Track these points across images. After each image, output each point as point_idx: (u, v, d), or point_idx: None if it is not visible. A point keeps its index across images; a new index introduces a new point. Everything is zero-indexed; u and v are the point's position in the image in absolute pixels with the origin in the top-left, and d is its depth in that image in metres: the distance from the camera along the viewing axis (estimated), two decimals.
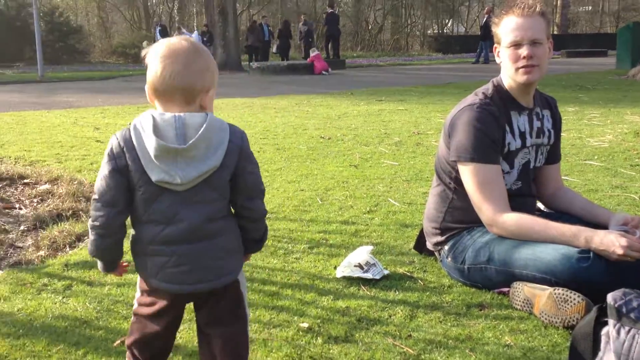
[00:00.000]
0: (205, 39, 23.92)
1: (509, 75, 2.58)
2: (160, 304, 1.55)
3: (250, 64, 21.27)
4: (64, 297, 2.44)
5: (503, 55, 2.58)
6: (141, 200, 1.50)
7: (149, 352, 1.60)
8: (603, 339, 1.80)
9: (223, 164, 1.49)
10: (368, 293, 2.48)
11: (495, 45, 2.63)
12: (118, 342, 2.07)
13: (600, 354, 1.80)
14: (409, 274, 2.69)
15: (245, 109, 9.27)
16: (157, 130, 1.46)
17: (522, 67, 2.51)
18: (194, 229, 1.49)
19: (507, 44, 2.53)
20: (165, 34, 23.66)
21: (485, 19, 24.56)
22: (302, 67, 18.96)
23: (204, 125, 1.47)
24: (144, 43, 22.74)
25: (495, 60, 2.65)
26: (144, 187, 1.48)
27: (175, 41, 1.54)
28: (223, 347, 1.56)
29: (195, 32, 25.22)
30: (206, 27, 25.44)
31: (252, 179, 1.56)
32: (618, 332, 1.76)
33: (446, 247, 2.68)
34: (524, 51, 2.50)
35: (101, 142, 6.21)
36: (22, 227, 3.38)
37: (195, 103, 1.52)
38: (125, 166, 1.48)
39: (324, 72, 18.76)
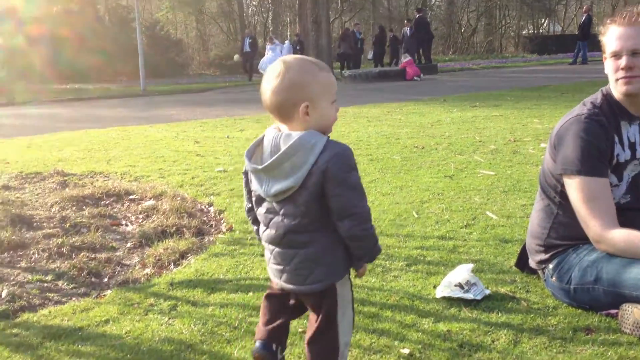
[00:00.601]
0: (298, 47, 24.25)
1: (611, 84, 2.51)
2: (273, 289, 1.87)
3: (342, 72, 21.42)
4: (170, 318, 2.53)
5: (607, 65, 2.51)
6: (254, 203, 1.83)
7: (269, 325, 1.87)
8: None
9: (303, 185, 1.65)
10: (470, 315, 2.44)
11: (603, 54, 2.56)
12: None
13: None
14: (511, 294, 2.62)
15: (339, 118, 9.34)
16: (253, 147, 1.79)
17: (622, 78, 2.42)
18: (280, 237, 1.73)
19: (609, 54, 2.47)
20: (254, 45, 24.05)
21: (584, 17, 23.53)
22: (393, 74, 18.90)
23: (289, 144, 1.65)
24: (235, 56, 23.34)
25: (594, 61, 2.57)
26: (253, 193, 1.82)
27: (273, 63, 1.75)
28: (308, 351, 1.81)
29: (287, 42, 25.64)
30: (297, 37, 25.79)
31: (338, 201, 1.65)
32: None
33: (550, 266, 2.59)
34: (622, 62, 2.42)
35: (201, 155, 6.45)
36: (128, 244, 3.56)
37: (292, 118, 1.69)
38: (246, 174, 1.85)
39: (415, 78, 18.61)
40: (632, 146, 2.52)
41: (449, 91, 13.13)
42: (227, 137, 7.83)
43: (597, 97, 2.57)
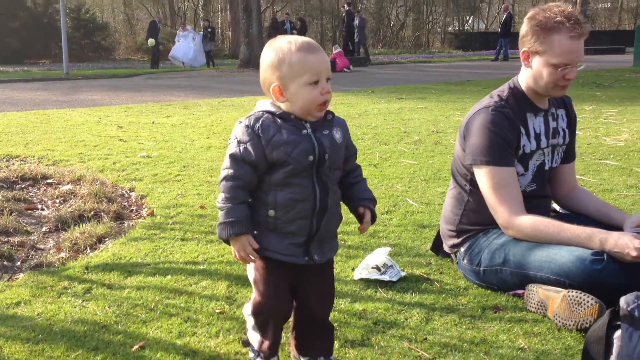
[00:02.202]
0: (209, 35, 23.79)
1: (540, 85, 2.55)
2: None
3: None
4: (83, 301, 2.48)
5: (540, 67, 2.51)
6: None
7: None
8: (615, 342, 1.81)
9: None
10: (385, 295, 2.51)
11: (526, 50, 2.55)
12: (136, 346, 2.10)
13: (612, 357, 1.81)
14: (425, 275, 2.71)
15: None
16: None
17: (562, 85, 2.51)
18: None
19: (555, 63, 2.46)
20: (153, 29, 23.20)
21: (505, 15, 24.32)
22: None
23: None
24: (150, 40, 22.70)
25: (515, 58, 2.65)
26: None
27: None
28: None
29: (188, 28, 24.98)
30: (207, 22, 25.34)
31: None
32: (630, 337, 1.77)
33: (462, 249, 2.70)
34: (570, 74, 2.48)
35: (124, 141, 6.30)
36: (43, 229, 3.45)
37: (274, 98, 1.79)
38: None
39: (345, 70, 18.75)
40: (538, 137, 2.64)
41: (377, 83, 13.31)
42: (153, 122, 7.68)
43: (504, 89, 2.67)
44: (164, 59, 24.11)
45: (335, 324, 2.24)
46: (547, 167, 2.72)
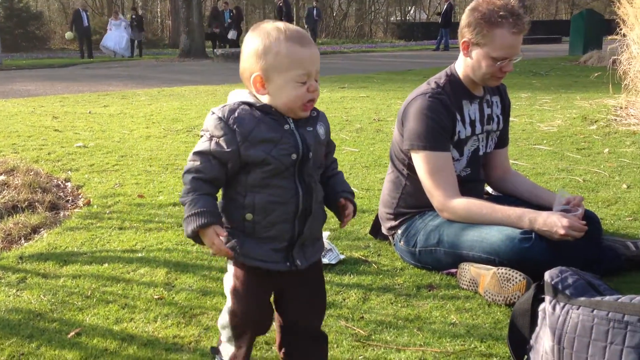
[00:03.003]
0: (135, 23, 23.27)
1: (477, 75, 2.62)
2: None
3: (214, 50, 21.10)
4: (17, 290, 2.44)
5: (479, 58, 2.57)
6: None
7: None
8: (540, 314, 1.90)
9: None
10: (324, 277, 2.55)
11: (467, 40, 2.60)
12: (72, 333, 2.08)
13: (537, 329, 1.90)
14: (364, 258, 2.76)
15: (209, 96, 9.24)
16: None
17: (498, 77, 2.59)
18: None
19: (495, 56, 2.53)
20: (77, 18, 22.54)
21: (445, 6, 24.73)
22: None
23: None
24: (68, 34, 22.14)
25: (455, 48, 2.71)
26: None
27: None
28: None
29: (121, 17, 24.47)
30: (134, 11, 24.79)
31: None
32: (554, 308, 1.86)
33: (399, 231, 2.76)
34: (507, 67, 2.56)
35: (60, 131, 6.15)
36: None
37: (254, 90, 1.61)
38: None
39: None
40: (472, 123, 2.72)
41: (320, 72, 13.27)
42: (90, 112, 7.51)
43: (441, 76, 2.74)
44: (97, 49, 23.51)
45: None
46: (481, 153, 2.80)
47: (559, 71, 12.15)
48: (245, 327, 1.68)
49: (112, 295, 2.39)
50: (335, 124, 6.52)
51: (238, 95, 1.63)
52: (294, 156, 1.56)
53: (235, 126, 1.52)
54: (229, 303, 1.67)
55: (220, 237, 1.53)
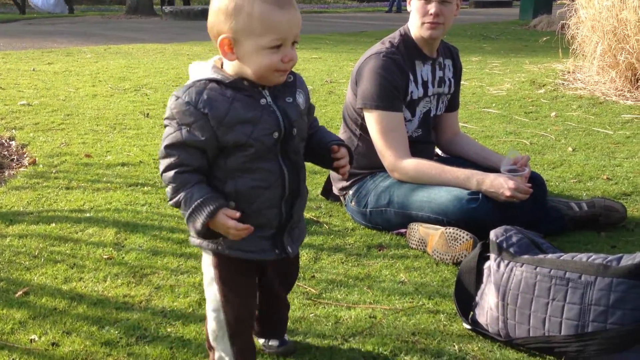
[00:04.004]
0: None
1: (415, 26, 2.66)
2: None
3: (163, 8, 20.51)
4: None
5: (413, 5, 2.63)
6: None
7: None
8: (485, 272, 1.96)
9: None
10: None
11: None
12: (20, 292, 2.05)
13: (482, 286, 1.96)
14: (315, 219, 2.78)
15: (157, 54, 9.01)
16: None
17: (428, 22, 2.59)
18: None
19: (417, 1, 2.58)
20: None
21: None
22: None
23: None
24: None
25: (407, 9, 2.71)
26: None
27: None
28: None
29: None
30: None
31: None
32: (498, 266, 1.92)
33: (350, 192, 2.79)
34: (432, 8, 2.57)
35: (2, 88, 5.91)
36: None
37: (220, 52, 1.42)
38: None
39: None
40: (425, 84, 2.75)
41: None
42: (33, 70, 7.24)
43: (395, 36, 2.74)
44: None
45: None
46: (432, 114, 2.83)
47: (509, 35, 12.29)
48: (242, 328, 1.54)
49: (60, 255, 2.35)
50: None
51: (201, 70, 1.44)
52: (276, 134, 1.42)
53: (206, 110, 1.36)
54: (214, 300, 1.51)
55: (235, 217, 1.37)
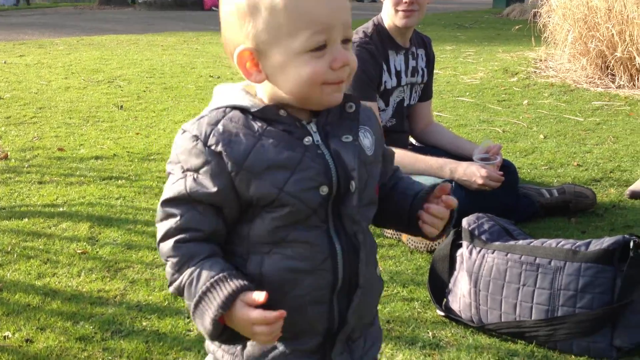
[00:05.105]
0: None
1: (389, 15, 2.67)
2: None
3: None
4: None
5: None
6: None
7: None
8: (458, 259, 1.99)
9: None
10: None
11: None
12: None
13: (455, 273, 1.99)
14: None
15: (131, 45, 8.92)
16: None
17: (402, 10, 2.59)
18: None
19: None
20: None
21: None
22: (191, 3, 18.32)
23: None
24: None
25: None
26: None
27: None
28: None
29: None
30: None
31: None
32: (470, 253, 1.95)
33: None
34: None
35: None
36: None
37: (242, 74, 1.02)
38: None
39: (214, 8, 18.22)
40: (398, 74, 2.76)
41: None
42: (4, 62, 7.13)
43: (368, 26, 2.75)
44: None
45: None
46: (406, 104, 2.85)
47: (482, 24, 12.36)
48: None
49: (34, 250, 2.33)
50: None
51: (227, 93, 1.04)
52: (325, 190, 0.98)
53: (220, 146, 0.95)
54: None
55: (259, 303, 0.92)
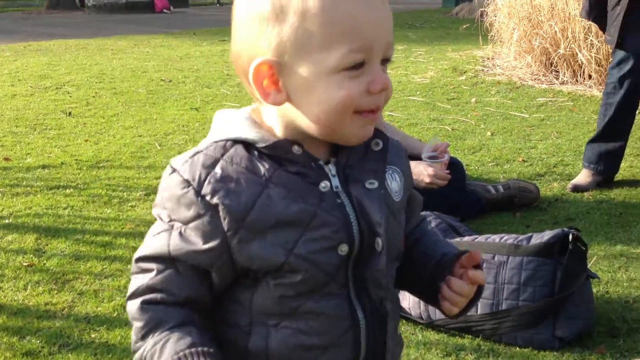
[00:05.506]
0: None
1: None
2: None
3: (86, 1, 19.91)
4: None
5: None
6: None
7: None
8: None
9: None
10: None
11: None
12: None
13: None
14: None
15: (80, 50, 8.76)
16: None
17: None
18: None
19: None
20: None
21: None
22: (142, 5, 18.07)
23: None
24: None
25: None
26: None
27: None
28: None
29: None
30: None
31: None
32: None
33: None
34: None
35: None
36: None
37: (254, 96, 0.84)
38: None
39: (165, 11, 18.03)
40: None
41: (199, 25, 12.97)
42: None
43: None
44: None
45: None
46: None
47: (433, 23, 12.53)
48: None
49: None
50: (215, 78, 6.42)
51: (229, 121, 0.86)
52: (344, 249, 0.81)
53: (217, 197, 0.79)
54: None
55: None
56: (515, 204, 2.77)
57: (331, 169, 0.84)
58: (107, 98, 5.37)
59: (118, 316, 1.95)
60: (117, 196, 2.99)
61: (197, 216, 0.79)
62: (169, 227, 0.81)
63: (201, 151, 0.82)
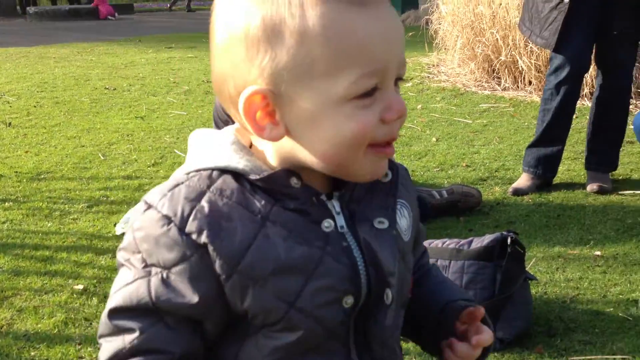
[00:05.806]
0: None
1: None
2: None
3: (27, 8, 19.40)
4: None
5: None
6: None
7: None
8: None
9: None
10: None
11: None
12: None
13: None
14: None
15: (21, 59, 8.54)
16: None
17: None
18: None
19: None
20: None
21: None
22: (85, 12, 17.74)
23: None
24: None
25: None
26: None
27: None
28: None
29: None
30: None
31: None
32: None
33: None
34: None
35: None
36: None
37: (244, 126, 0.71)
38: None
39: (109, 17, 17.73)
40: None
41: (145, 32, 12.80)
42: None
43: None
44: None
45: (94, 281, 2.22)
46: None
47: None
48: None
49: None
50: (161, 86, 6.35)
51: (212, 146, 0.73)
52: (350, 301, 0.71)
53: (206, 236, 0.67)
54: None
55: None
56: (459, 208, 2.83)
57: (335, 205, 0.72)
58: (48, 107, 5.25)
59: (59, 333, 1.91)
60: (58, 209, 2.93)
61: (183, 258, 0.66)
62: (145, 274, 0.67)
63: (182, 182, 0.69)
